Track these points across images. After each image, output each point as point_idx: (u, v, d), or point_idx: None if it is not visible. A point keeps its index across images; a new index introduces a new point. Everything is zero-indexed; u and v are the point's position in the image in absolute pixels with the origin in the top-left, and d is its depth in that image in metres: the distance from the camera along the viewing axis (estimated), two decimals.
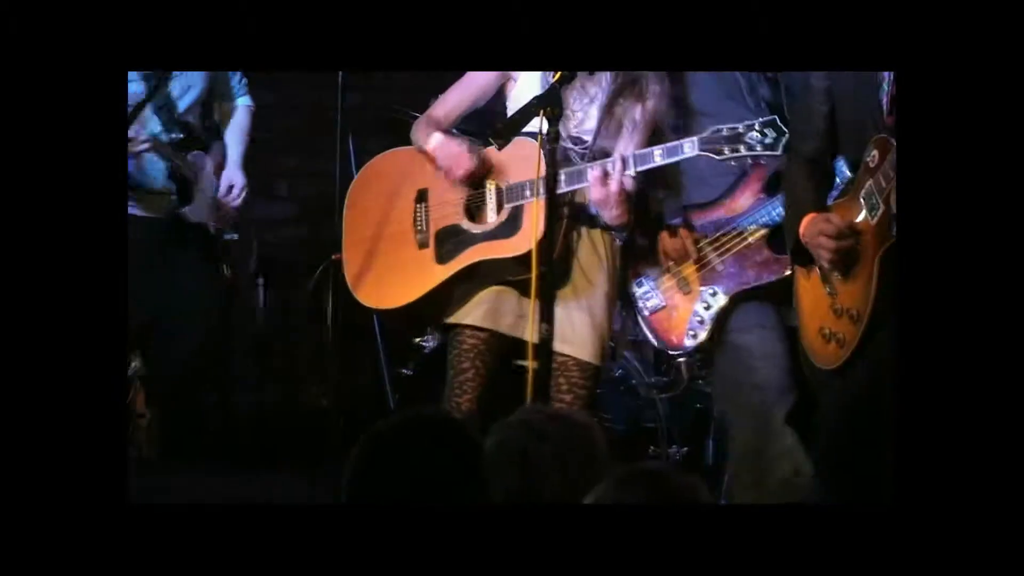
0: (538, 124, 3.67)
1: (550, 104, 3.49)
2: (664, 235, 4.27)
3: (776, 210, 4.11)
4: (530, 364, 3.72)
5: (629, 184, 3.93)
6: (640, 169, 3.92)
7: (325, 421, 5.24)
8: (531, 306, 3.94)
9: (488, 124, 4.12)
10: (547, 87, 3.71)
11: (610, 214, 3.92)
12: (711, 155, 3.78)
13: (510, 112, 4.12)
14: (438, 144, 4.16)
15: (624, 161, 3.86)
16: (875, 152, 3.37)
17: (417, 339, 5.48)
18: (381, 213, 4.30)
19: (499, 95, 4.26)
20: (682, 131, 4.05)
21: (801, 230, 3.53)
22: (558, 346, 3.89)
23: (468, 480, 2.58)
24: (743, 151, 3.75)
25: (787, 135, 3.68)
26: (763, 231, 4.18)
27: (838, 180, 3.73)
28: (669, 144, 3.88)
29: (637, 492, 2.50)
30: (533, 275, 3.67)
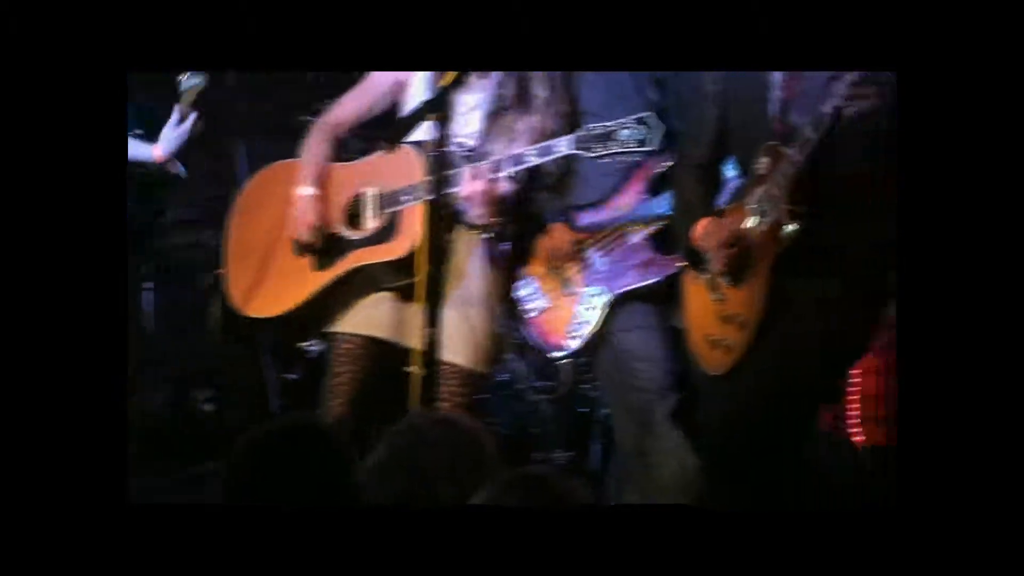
0: (427, 128, 3.68)
1: (439, 109, 3.49)
2: (547, 236, 4.26)
3: (659, 207, 4.11)
4: (414, 370, 3.69)
5: (504, 186, 3.96)
6: (514, 170, 3.94)
7: (209, 426, 5.22)
8: (416, 311, 3.93)
9: (380, 129, 4.18)
10: (437, 92, 3.70)
11: (475, 212, 3.93)
12: (584, 153, 3.80)
13: (401, 114, 4.16)
14: (298, 196, 4.18)
15: (496, 163, 3.89)
16: (766, 160, 3.37)
17: (301, 344, 5.48)
18: (265, 221, 4.32)
19: (393, 101, 4.27)
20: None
21: (694, 235, 3.54)
22: (441, 352, 3.88)
23: (336, 484, 2.61)
24: (615, 148, 3.75)
25: (660, 131, 3.70)
26: (646, 231, 4.16)
27: (728, 185, 3.73)
28: (542, 144, 3.90)
29: (520, 496, 2.51)
30: (416, 280, 3.66)
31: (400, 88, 4.22)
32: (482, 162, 3.91)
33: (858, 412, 5.19)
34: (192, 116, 4.79)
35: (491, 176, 3.88)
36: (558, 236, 4.24)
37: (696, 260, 3.58)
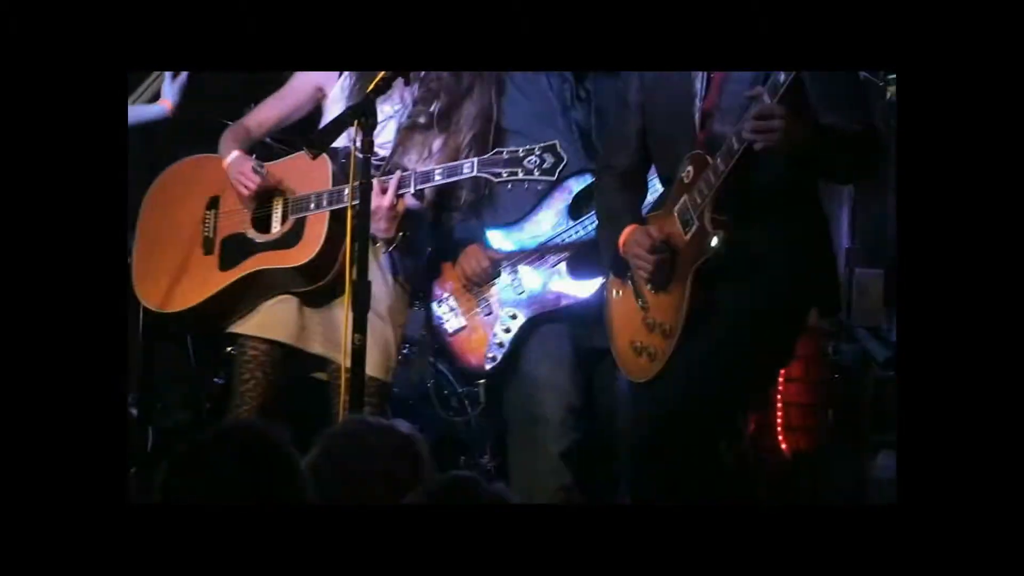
0: (351, 135, 3.66)
1: (364, 115, 3.47)
2: (465, 256, 4.26)
3: (577, 232, 4.14)
4: (343, 374, 3.69)
5: (411, 202, 3.99)
6: (420, 187, 3.95)
7: (133, 429, 5.19)
8: (318, 316, 4.03)
9: (301, 134, 4.18)
10: (361, 98, 3.68)
11: (377, 226, 3.90)
12: (489, 176, 3.81)
13: (323, 121, 4.15)
14: (231, 161, 4.17)
15: (402, 179, 3.90)
16: (690, 168, 3.40)
17: (229, 348, 5.46)
18: (173, 217, 4.31)
19: (315, 107, 4.29)
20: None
21: (620, 242, 3.55)
22: (340, 358, 3.89)
23: (281, 490, 2.62)
24: (520, 174, 3.76)
25: (565, 161, 3.72)
26: (564, 253, 4.17)
27: (650, 193, 3.77)
28: (449, 164, 3.92)
29: (449, 499, 2.54)
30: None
31: (321, 94, 4.24)
32: (388, 177, 3.92)
33: (782, 420, 5.22)
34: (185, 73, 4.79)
35: (397, 191, 3.90)
36: (474, 256, 4.24)
37: (621, 268, 3.61)
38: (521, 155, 3.75)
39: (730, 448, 3.71)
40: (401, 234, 4.01)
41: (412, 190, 3.92)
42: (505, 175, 3.77)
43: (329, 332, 4.04)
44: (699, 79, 3.44)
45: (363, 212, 3.46)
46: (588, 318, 4.10)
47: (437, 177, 3.89)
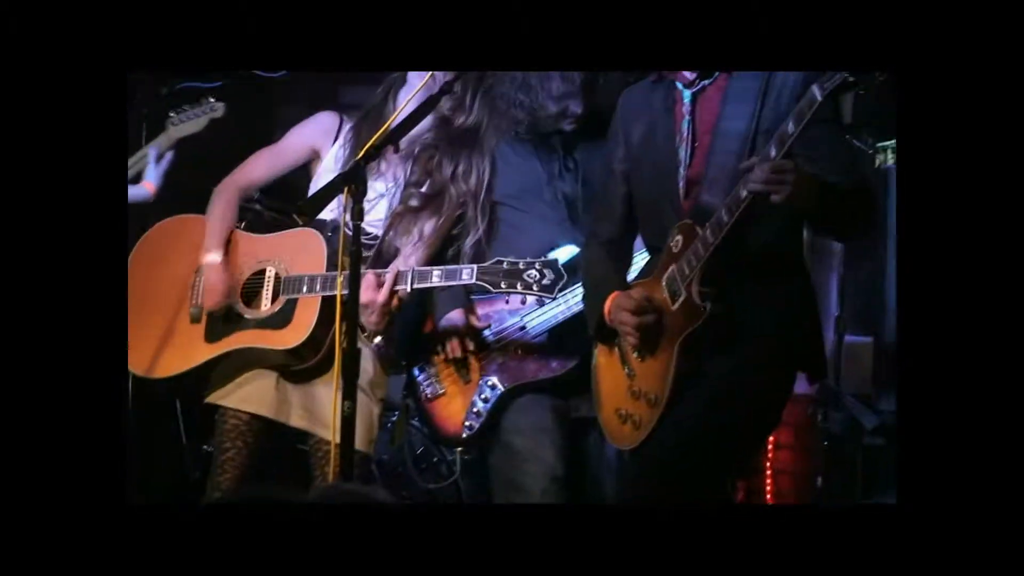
0: (341, 202, 3.65)
1: (354, 182, 3.43)
2: (447, 323, 4.27)
3: (560, 310, 4.15)
4: (328, 446, 3.72)
5: (403, 295, 3.96)
6: (415, 287, 3.93)
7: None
8: (298, 391, 4.02)
9: (291, 199, 4.13)
10: (351, 165, 3.64)
11: (369, 320, 3.92)
12: (487, 286, 3.81)
13: (313, 187, 4.14)
14: (207, 263, 4.13)
15: (399, 276, 3.89)
16: (679, 237, 3.42)
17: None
18: (160, 278, 4.25)
19: (304, 169, 4.28)
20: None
21: (606, 309, 3.56)
22: (322, 432, 3.93)
23: None
24: (519, 288, 3.79)
25: (564, 278, 3.74)
26: (547, 325, 4.18)
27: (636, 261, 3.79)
28: (449, 268, 3.90)
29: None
30: (336, 355, 3.57)
31: (315, 155, 4.23)
32: (384, 271, 3.91)
33: (772, 487, 5.24)
34: (169, 154, 4.82)
35: (391, 288, 3.89)
36: (456, 324, 4.26)
37: (607, 335, 3.62)
38: (521, 267, 3.76)
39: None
40: (388, 327, 4.03)
41: (408, 288, 3.92)
42: (504, 287, 3.79)
43: (309, 405, 4.05)
44: (684, 148, 3.47)
45: (354, 281, 3.42)
46: (570, 389, 4.14)
47: (435, 279, 3.88)
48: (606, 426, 3.70)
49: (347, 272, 3.49)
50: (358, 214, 3.40)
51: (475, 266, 3.83)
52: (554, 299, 3.89)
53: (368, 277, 3.81)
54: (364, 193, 3.43)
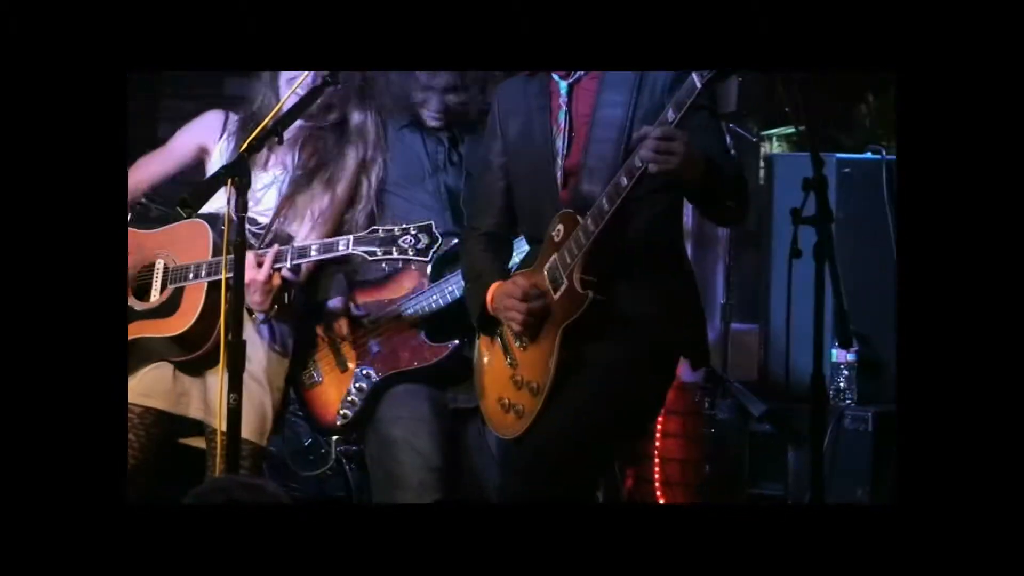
0: (226, 194, 3.62)
1: (238, 174, 3.44)
2: (326, 313, 4.29)
3: (436, 297, 4.19)
4: (219, 434, 3.69)
5: (287, 275, 3.97)
6: (296, 263, 3.94)
7: None
8: (194, 383, 4.02)
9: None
10: (235, 157, 3.67)
11: (252, 299, 3.91)
12: (365, 255, 3.84)
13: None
14: None
15: (279, 253, 3.90)
16: (560, 227, 3.42)
17: None
18: None
19: (197, 165, 4.28)
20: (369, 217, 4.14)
21: (488, 298, 3.57)
22: (215, 423, 3.88)
23: None
24: (395, 253, 3.80)
25: (439, 242, 3.77)
26: (422, 314, 4.21)
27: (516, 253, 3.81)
28: (325, 240, 3.93)
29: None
30: (221, 347, 3.62)
31: (204, 153, 4.24)
32: (264, 251, 3.92)
33: (660, 475, 5.26)
34: None
35: (272, 266, 3.90)
36: (334, 313, 4.28)
37: (489, 325, 3.62)
38: (396, 234, 3.78)
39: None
40: (276, 306, 4.01)
41: (288, 264, 3.93)
42: (380, 253, 3.80)
43: (206, 396, 4.05)
44: (561, 139, 3.48)
45: (239, 274, 3.45)
46: (448, 379, 4.18)
47: (313, 253, 3.90)
48: (489, 415, 3.69)
49: (231, 257, 3.50)
50: (242, 206, 3.41)
51: (351, 236, 3.87)
52: (429, 261, 3.89)
53: (248, 257, 3.77)
54: (248, 185, 3.44)
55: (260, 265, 3.86)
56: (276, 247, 3.92)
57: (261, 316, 4.05)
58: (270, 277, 3.89)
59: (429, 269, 4.21)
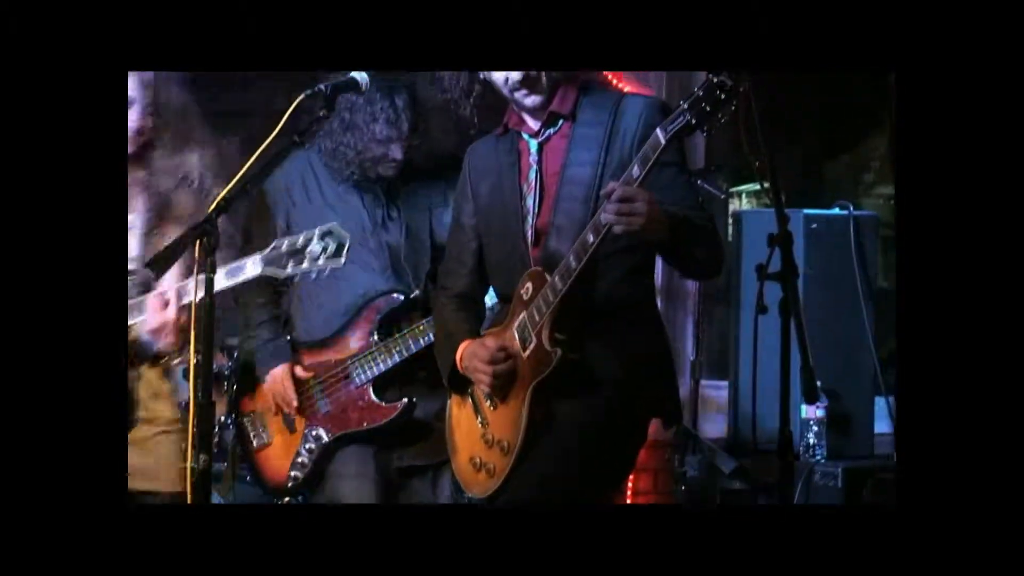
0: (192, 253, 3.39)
1: (206, 234, 3.21)
2: (272, 376, 4.31)
3: (383, 358, 4.22)
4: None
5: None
6: (201, 296, 3.53)
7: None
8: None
9: None
10: (203, 218, 3.35)
11: (166, 342, 3.64)
12: (275, 274, 3.52)
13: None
14: None
15: (181, 289, 3.58)
16: (529, 284, 3.42)
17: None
18: None
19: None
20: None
21: (458, 356, 3.56)
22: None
23: None
24: (306, 264, 3.46)
25: (348, 243, 3.47)
26: (370, 374, 4.25)
27: (488, 309, 3.82)
28: (232, 265, 3.55)
29: None
30: (191, 409, 3.37)
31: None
32: (164, 290, 3.61)
33: None
34: None
35: (178, 303, 3.58)
36: (281, 376, 4.30)
37: (459, 384, 3.61)
38: (301, 243, 3.47)
39: None
40: (186, 345, 3.64)
41: (196, 298, 3.40)
42: (291, 268, 3.48)
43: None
44: (532, 197, 3.48)
45: (208, 334, 3.21)
46: (395, 438, 4.22)
47: (222, 279, 3.46)
48: (460, 474, 3.67)
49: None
50: (211, 267, 3.20)
51: (257, 255, 3.49)
52: (344, 263, 3.55)
53: (151, 301, 3.59)
54: (216, 245, 3.22)
55: (166, 305, 3.60)
56: (179, 283, 3.62)
57: (177, 359, 3.82)
58: (179, 316, 3.60)
59: (375, 327, 4.26)
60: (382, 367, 4.22)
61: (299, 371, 4.30)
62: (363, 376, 4.25)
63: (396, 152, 4.21)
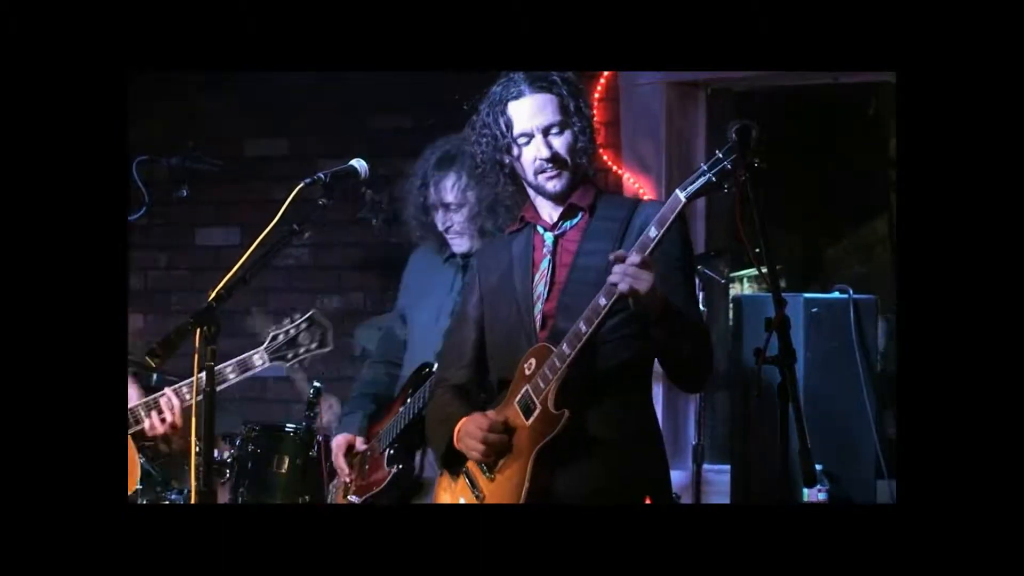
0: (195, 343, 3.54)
1: (206, 323, 3.36)
2: (333, 444, 4.44)
3: (402, 420, 4.27)
4: None
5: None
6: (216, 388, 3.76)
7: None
8: None
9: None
10: (203, 307, 3.51)
11: (177, 445, 3.94)
12: (280, 363, 3.88)
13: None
14: None
15: (177, 392, 3.87)
16: (532, 360, 3.40)
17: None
18: None
19: None
20: None
21: (455, 431, 3.51)
22: None
23: None
24: (301, 352, 3.87)
25: (330, 329, 3.86)
26: (390, 449, 4.30)
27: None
28: (238, 359, 3.90)
29: None
30: (192, 496, 3.54)
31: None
32: (160, 393, 3.86)
33: None
34: None
35: (174, 412, 3.84)
36: (335, 448, 4.41)
37: (453, 462, 3.56)
38: (292, 333, 3.85)
39: None
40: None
41: (192, 400, 3.82)
42: (291, 357, 3.87)
43: None
44: (543, 283, 3.47)
45: (208, 424, 3.33)
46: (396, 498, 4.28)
47: (231, 376, 3.87)
48: None
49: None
50: (211, 355, 3.34)
51: (262, 350, 3.86)
52: (329, 349, 3.94)
53: (153, 418, 3.78)
54: (217, 333, 3.36)
55: (163, 419, 3.80)
56: (168, 391, 3.86)
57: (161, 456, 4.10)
58: (175, 421, 3.83)
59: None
60: (399, 428, 4.26)
61: (359, 443, 4.39)
62: (385, 439, 4.31)
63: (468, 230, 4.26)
